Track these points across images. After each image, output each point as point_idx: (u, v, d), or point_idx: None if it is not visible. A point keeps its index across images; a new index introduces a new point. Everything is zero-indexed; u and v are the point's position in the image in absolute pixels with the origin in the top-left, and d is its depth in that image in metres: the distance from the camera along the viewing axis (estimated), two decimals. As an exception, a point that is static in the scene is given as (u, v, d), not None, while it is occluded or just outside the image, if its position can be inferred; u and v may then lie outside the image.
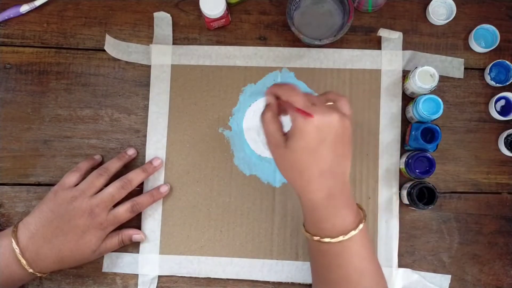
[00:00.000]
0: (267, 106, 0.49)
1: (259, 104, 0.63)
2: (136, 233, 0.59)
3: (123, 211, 0.57)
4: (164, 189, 0.60)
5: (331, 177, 0.46)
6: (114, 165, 0.59)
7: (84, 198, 0.55)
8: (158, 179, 0.61)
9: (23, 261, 0.53)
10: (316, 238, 0.48)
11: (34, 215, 0.55)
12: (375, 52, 0.63)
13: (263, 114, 0.49)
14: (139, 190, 0.61)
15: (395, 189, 0.60)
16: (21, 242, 0.53)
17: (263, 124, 0.48)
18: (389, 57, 0.62)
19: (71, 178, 0.57)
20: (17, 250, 0.53)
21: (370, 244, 0.49)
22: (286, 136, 0.47)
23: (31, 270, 0.53)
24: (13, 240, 0.53)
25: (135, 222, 0.60)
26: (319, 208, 0.47)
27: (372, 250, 0.50)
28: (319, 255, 0.49)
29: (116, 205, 0.57)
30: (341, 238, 0.47)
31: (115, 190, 0.56)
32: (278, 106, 0.49)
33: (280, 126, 0.48)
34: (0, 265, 0.53)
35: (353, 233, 0.47)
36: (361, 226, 0.47)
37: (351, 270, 0.48)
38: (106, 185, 0.57)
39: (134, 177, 0.58)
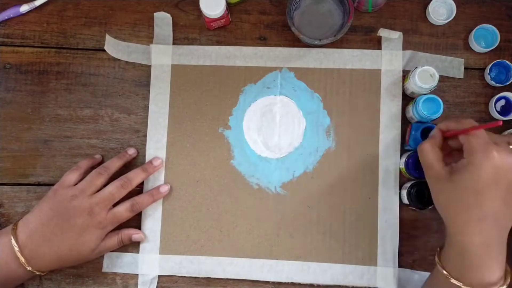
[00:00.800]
0: (430, 137, 0.47)
1: (259, 104, 0.63)
2: (136, 232, 0.59)
3: (123, 211, 0.57)
4: (164, 189, 0.60)
5: (493, 225, 0.43)
6: (114, 164, 0.59)
7: (84, 197, 0.55)
8: (158, 179, 0.61)
9: (22, 259, 0.53)
10: (456, 282, 0.44)
11: (34, 213, 0.55)
12: (375, 52, 0.63)
13: (421, 143, 0.46)
14: (139, 190, 0.61)
15: (395, 189, 0.60)
16: (20, 239, 0.53)
17: (420, 154, 0.45)
18: (389, 57, 0.62)
19: (71, 176, 0.57)
20: (16, 248, 0.53)
21: None
22: (449, 168, 0.44)
23: (29, 268, 0.53)
24: (12, 238, 0.53)
25: (135, 222, 0.60)
26: (470, 254, 0.44)
27: None
28: None
29: (116, 204, 0.57)
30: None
31: (115, 189, 0.56)
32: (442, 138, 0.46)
33: (441, 157, 0.45)
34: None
35: None
36: (508, 282, 0.44)
37: None
38: (106, 184, 0.57)
39: (134, 176, 0.58)
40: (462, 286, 0.44)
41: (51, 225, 0.54)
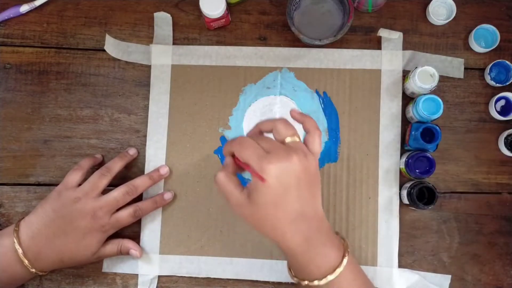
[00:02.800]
0: (223, 166, 0.48)
1: (259, 104, 0.63)
2: (134, 248, 0.59)
3: (126, 216, 0.57)
4: (168, 196, 0.60)
5: (303, 221, 0.45)
6: (116, 165, 0.59)
7: (88, 199, 0.55)
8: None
9: (26, 261, 0.53)
10: (304, 283, 0.46)
11: (36, 214, 0.55)
12: (375, 52, 0.63)
13: (216, 176, 0.46)
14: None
15: (395, 189, 0.60)
16: (23, 241, 0.53)
17: (218, 186, 0.46)
18: (389, 57, 0.62)
19: (74, 177, 0.57)
20: (20, 250, 0.53)
21: (360, 274, 0.48)
22: (246, 191, 0.45)
23: (33, 270, 0.53)
24: (15, 240, 0.53)
25: (136, 222, 0.60)
26: (299, 253, 0.46)
27: (364, 280, 0.48)
28: None
29: (119, 208, 0.57)
30: (329, 277, 0.45)
31: (120, 195, 0.56)
32: (235, 163, 0.47)
33: (237, 183, 0.46)
34: (2, 265, 0.53)
35: (339, 270, 0.45)
36: (345, 261, 0.46)
37: None
38: (109, 185, 0.57)
39: (140, 184, 0.58)
40: (310, 283, 0.46)
41: (53, 227, 0.54)
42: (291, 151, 0.44)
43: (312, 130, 0.48)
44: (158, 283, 0.60)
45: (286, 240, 0.45)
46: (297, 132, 0.47)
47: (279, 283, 0.60)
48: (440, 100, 0.58)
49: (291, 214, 0.44)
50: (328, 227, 0.47)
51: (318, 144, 0.47)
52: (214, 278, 0.60)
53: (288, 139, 0.46)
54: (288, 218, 0.44)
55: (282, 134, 0.46)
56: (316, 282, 0.46)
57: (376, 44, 0.63)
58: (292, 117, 0.50)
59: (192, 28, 0.64)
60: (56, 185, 0.58)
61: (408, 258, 0.60)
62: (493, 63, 0.61)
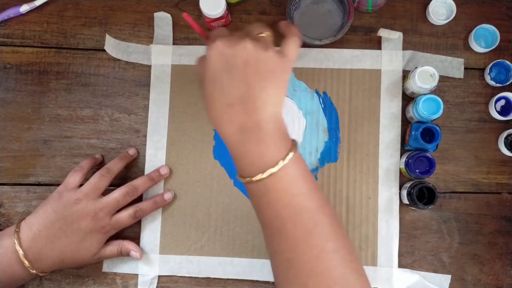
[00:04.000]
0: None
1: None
2: (135, 250, 0.59)
3: (126, 217, 0.57)
4: (168, 196, 0.60)
5: (243, 111, 0.43)
6: (116, 165, 0.59)
7: (88, 201, 0.55)
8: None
9: (26, 263, 0.53)
10: (246, 179, 0.44)
11: (37, 215, 0.55)
12: (375, 52, 0.63)
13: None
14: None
15: (395, 189, 0.60)
16: (23, 242, 0.53)
17: (196, 70, 0.47)
18: (389, 57, 0.62)
19: (74, 178, 0.57)
20: (20, 251, 0.53)
21: (304, 180, 0.44)
22: None
23: (33, 271, 0.53)
24: (15, 241, 0.53)
25: (136, 222, 0.60)
26: (233, 144, 0.44)
27: (308, 187, 0.44)
28: (251, 197, 0.46)
29: (119, 209, 0.57)
30: (259, 176, 0.42)
31: (120, 196, 0.56)
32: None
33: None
34: (3, 266, 0.53)
35: (271, 170, 0.42)
36: (281, 163, 0.42)
37: (281, 208, 0.43)
38: (110, 186, 0.57)
39: (141, 184, 0.58)
40: (245, 179, 0.44)
41: (54, 228, 0.54)
42: (248, 38, 0.43)
43: (290, 35, 0.46)
44: (158, 283, 0.60)
45: (220, 123, 0.44)
46: (271, 34, 0.47)
47: (279, 283, 0.60)
48: (440, 100, 0.58)
49: (229, 97, 0.43)
50: (275, 129, 0.44)
51: (292, 48, 0.46)
52: (214, 278, 0.60)
53: (257, 35, 0.46)
54: (226, 100, 0.43)
55: (254, 31, 0.46)
56: (247, 179, 0.43)
57: (376, 44, 0.63)
58: (279, 27, 0.49)
59: (192, 28, 0.64)
60: (56, 185, 0.58)
61: (408, 258, 0.60)
62: (493, 63, 0.62)
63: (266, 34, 0.46)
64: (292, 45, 0.46)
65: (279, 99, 0.44)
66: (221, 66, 0.43)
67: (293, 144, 0.45)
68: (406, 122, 0.62)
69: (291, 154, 0.43)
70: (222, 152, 0.62)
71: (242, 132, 0.43)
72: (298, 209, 0.43)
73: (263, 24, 0.47)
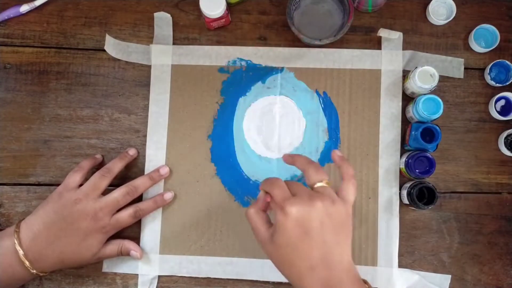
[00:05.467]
0: (254, 202, 0.48)
1: (259, 104, 0.63)
2: (135, 249, 0.59)
3: (126, 216, 0.57)
4: (168, 196, 0.60)
5: (325, 269, 0.43)
6: (116, 165, 0.59)
7: (88, 201, 0.55)
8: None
9: (27, 263, 0.53)
10: None
11: (37, 215, 0.55)
12: (375, 52, 0.63)
13: (247, 210, 0.47)
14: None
15: (395, 189, 0.60)
16: (24, 243, 0.53)
17: (248, 220, 0.47)
18: (389, 57, 0.62)
19: (74, 178, 0.57)
20: (20, 252, 0.53)
21: None
22: (272, 229, 0.45)
23: (34, 271, 0.53)
24: (15, 241, 0.53)
25: (136, 222, 0.60)
26: None
27: None
28: None
29: (119, 209, 0.57)
30: None
31: (120, 196, 0.56)
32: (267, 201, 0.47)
33: (266, 220, 0.47)
34: (3, 266, 0.53)
35: None
36: None
37: None
38: (110, 185, 0.57)
39: (141, 184, 0.58)
40: None
41: (54, 228, 0.54)
42: (316, 196, 0.44)
43: (347, 178, 0.48)
44: (158, 283, 0.60)
45: (306, 285, 0.44)
46: (327, 178, 0.47)
47: (279, 283, 0.60)
48: (440, 100, 0.58)
49: (311, 260, 0.43)
50: (354, 277, 0.45)
51: (352, 192, 0.47)
52: (214, 278, 0.60)
53: (317, 185, 0.46)
54: (307, 264, 0.43)
55: (312, 179, 0.47)
56: None
57: (376, 44, 0.63)
58: (332, 158, 0.50)
59: (192, 28, 0.64)
60: (56, 185, 0.58)
61: (408, 258, 0.60)
62: (493, 63, 0.62)
63: (325, 181, 0.47)
64: (352, 190, 0.47)
65: (349, 247, 0.46)
66: (299, 232, 0.43)
67: (367, 283, 0.47)
68: (406, 122, 0.62)
69: None
70: (219, 153, 0.62)
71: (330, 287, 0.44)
72: None
73: (317, 166, 0.48)
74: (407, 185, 0.59)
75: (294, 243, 0.43)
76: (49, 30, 0.65)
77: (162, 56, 0.63)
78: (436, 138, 0.57)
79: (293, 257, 0.44)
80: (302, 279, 0.44)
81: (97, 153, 0.63)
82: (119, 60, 0.64)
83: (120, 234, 0.59)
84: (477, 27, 0.62)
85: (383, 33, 0.62)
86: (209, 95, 0.63)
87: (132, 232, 0.61)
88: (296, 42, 0.63)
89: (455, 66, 0.63)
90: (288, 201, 0.44)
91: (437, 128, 0.57)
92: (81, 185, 0.57)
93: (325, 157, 0.61)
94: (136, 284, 0.60)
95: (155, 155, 0.62)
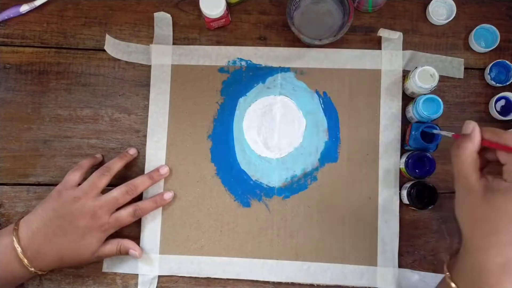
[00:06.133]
0: (466, 136, 0.41)
1: (259, 104, 0.63)
2: (134, 248, 0.59)
3: (125, 215, 0.57)
4: (168, 195, 0.60)
5: None
6: (116, 164, 0.59)
7: (88, 199, 0.55)
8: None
9: (25, 260, 0.53)
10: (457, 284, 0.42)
11: (36, 214, 0.55)
12: (375, 52, 0.63)
13: (456, 144, 0.41)
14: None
15: (395, 189, 0.60)
16: (22, 240, 0.53)
17: (456, 159, 0.41)
18: (389, 57, 0.62)
19: (73, 176, 0.57)
20: (19, 249, 0.53)
21: None
22: (484, 181, 0.40)
23: (32, 269, 0.53)
24: (14, 239, 0.53)
25: (136, 221, 0.60)
26: (487, 273, 0.41)
27: None
28: None
29: (118, 208, 0.57)
30: None
31: (120, 194, 0.56)
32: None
33: (478, 167, 0.41)
34: (2, 264, 0.53)
35: None
36: None
37: None
38: (109, 185, 0.57)
39: (140, 183, 0.58)
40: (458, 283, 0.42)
41: (53, 226, 0.54)
42: None
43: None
44: (158, 283, 0.60)
45: (489, 254, 0.40)
46: None
47: (279, 283, 0.60)
48: (440, 100, 0.58)
49: None
50: None
51: None
52: (214, 278, 0.60)
53: None
54: (510, 239, 0.39)
55: None
56: None
57: (376, 44, 0.63)
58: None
59: (192, 28, 0.64)
60: (56, 185, 0.58)
61: (408, 258, 0.60)
62: (493, 63, 0.61)
63: None
64: None
65: None
66: None
67: None
68: (406, 122, 0.62)
69: None
70: (219, 153, 0.62)
71: (507, 268, 0.40)
72: None
73: None
74: (407, 185, 0.59)
75: None
76: (49, 30, 0.65)
77: (162, 56, 0.63)
78: (436, 138, 0.57)
79: (503, 227, 0.39)
80: (491, 247, 0.40)
81: (97, 153, 0.63)
82: (119, 60, 0.64)
83: (120, 233, 0.59)
84: (477, 27, 0.62)
85: (383, 33, 0.62)
86: (209, 95, 0.63)
87: (132, 232, 0.61)
88: (296, 42, 0.63)
89: (455, 66, 0.63)
90: None
91: (437, 128, 0.57)
92: (80, 184, 0.57)
93: (325, 157, 0.61)
94: (136, 284, 0.60)
95: (155, 155, 0.62)
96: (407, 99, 0.62)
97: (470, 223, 0.42)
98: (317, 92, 0.63)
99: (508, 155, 0.40)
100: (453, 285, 0.43)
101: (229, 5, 0.63)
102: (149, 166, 0.62)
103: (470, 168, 0.41)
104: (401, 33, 0.63)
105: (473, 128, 0.41)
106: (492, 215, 0.40)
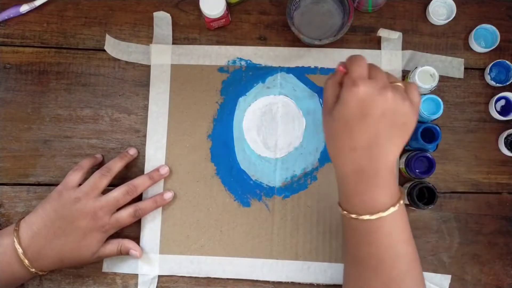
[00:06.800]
0: (333, 73, 0.48)
1: (259, 104, 0.63)
2: (134, 249, 0.59)
3: (126, 216, 0.57)
4: (168, 195, 0.60)
5: (365, 157, 0.44)
6: (116, 165, 0.59)
7: (88, 200, 0.55)
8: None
9: (26, 261, 0.53)
10: (352, 215, 0.46)
11: (37, 214, 0.55)
12: (375, 52, 0.63)
13: (326, 79, 0.48)
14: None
15: (395, 189, 0.60)
16: (23, 241, 0.53)
17: (324, 90, 0.47)
18: (389, 57, 0.62)
19: (74, 177, 0.57)
20: (20, 250, 0.53)
21: (406, 227, 0.47)
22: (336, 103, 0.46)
23: (33, 270, 0.53)
24: (15, 240, 0.53)
25: (136, 222, 0.60)
26: (346, 181, 0.46)
27: (408, 235, 0.47)
28: (349, 231, 0.48)
29: (119, 208, 0.57)
30: (367, 217, 0.45)
31: (120, 195, 0.56)
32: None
33: (337, 93, 0.46)
34: (2, 264, 0.53)
35: (381, 214, 0.44)
36: (392, 209, 0.45)
37: (382, 249, 0.46)
38: (109, 185, 0.57)
39: (140, 184, 0.58)
40: (348, 215, 0.46)
41: (54, 227, 0.54)
42: (390, 87, 0.44)
43: (408, 84, 0.47)
44: (158, 283, 0.60)
45: (340, 163, 0.46)
46: (402, 85, 0.46)
47: (279, 283, 0.60)
48: (440, 100, 0.58)
49: (356, 142, 0.44)
50: (390, 177, 0.46)
51: (417, 95, 0.46)
52: (214, 278, 0.60)
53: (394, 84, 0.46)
54: (351, 143, 0.44)
55: (388, 78, 0.46)
56: (366, 216, 0.45)
57: (376, 44, 0.63)
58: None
59: (192, 28, 0.64)
60: (56, 185, 0.58)
61: (408, 258, 0.60)
62: (493, 63, 0.61)
63: (399, 84, 0.46)
64: (416, 92, 0.46)
65: (400, 149, 0.46)
66: (357, 112, 0.43)
67: (402, 192, 0.47)
68: (406, 122, 0.62)
69: (401, 202, 0.46)
70: (219, 153, 0.62)
71: (358, 174, 0.45)
72: (398, 253, 0.46)
73: (393, 75, 0.48)
74: (407, 185, 0.59)
75: (349, 120, 0.44)
76: (49, 30, 0.65)
77: (161, 56, 0.63)
78: (436, 138, 0.57)
79: (342, 133, 0.45)
80: (340, 156, 0.46)
81: (97, 153, 0.63)
82: (119, 60, 0.64)
83: (120, 233, 0.59)
84: (477, 27, 0.62)
85: (383, 33, 0.62)
86: (209, 95, 0.63)
87: (132, 232, 0.61)
88: (296, 42, 0.63)
89: (455, 66, 0.63)
90: (362, 80, 0.43)
91: (437, 128, 0.57)
92: (80, 184, 0.57)
93: (325, 157, 0.61)
94: (136, 284, 0.60)
95: (155, 155, 0.62)
96: (407, 99, 0.62)
97: (326, 140, 0.48)
98: (317, 92, 0.63)
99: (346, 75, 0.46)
100: (340, 210, 0.48)
101: (229, 5, 0.63)
102: (149, 166, 0.62)
103: (330, 95, 0.47)
104: (401, 33, 0.63)
105: (338, 68, 0.47)
106: (334, 125, 0.45)
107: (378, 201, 0.45)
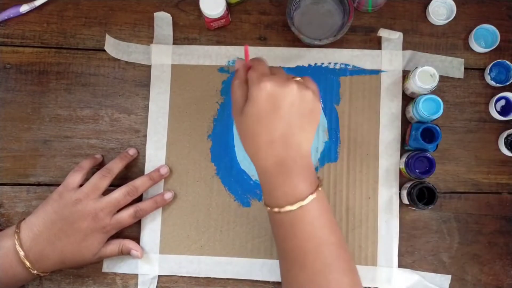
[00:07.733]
0: (236, 72, 0.49)
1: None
2: (135, 249, 0.59)
3: (126, 217, 0.57)
4: (168, 196, 0.60)
5: (282, 147, 0.46)
6: (116, 165, 0.59)
7: (89, 201, 0.55)
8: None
9: (27, 263, 0.53)
10: (274, 209, 0.47)
11: (37, 216, 0.55)
12: (375, 52, 0.63)
13: (232, 80, 0.49)
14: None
15: (395, 189, 0.60)
16: (24, 243, 0.53)
17: (231, 91, 0.49)
18: (389, 57, 0.62)
19: (74, 178, 0.57)
20: (21, 252, 0.53)
21: (328, 215, 0.47)
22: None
23: (35, 272, 0.53)
24: (16, 242, 0.53)
25: (136, 222, 0.60)
26: (268, 175, 0.47)
27: (330, 222, 0.47)
28: (275, 226, 0.48)
29: (119, 209, 0.57)
30: (288, 207, 0.45)
31: (121, 196, 0.56)
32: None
33: (246, 93, 0.47)
34: (4, 267, 0.53)
35: (301, 203, 0.45)
36: (311, 197, 0.45)
37: (305, 240, 0.46)
38: (110, 186, 0.57)
39: (141, 184, 0.58)
40: (272, 210, 0.47)
41: (55, 229, 0.54)
42: (292, 80, 0.46)
43: (303, 77, 0.49)
44: (158, 283, 0.60)
45: (259, 158, 0.47)
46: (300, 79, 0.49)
47: (279, 283, 0.60)
48: (440, 100, 0.58)
49: (272, 135, 0.46)
50: (307, 164, 0.47)
51: (314, 84, 0.49)
52: (214, 278, 0.60)
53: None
54: (268, 138, 0.46)
55: (287, 74, 0.49)
56: (276, 209, 0.46)
57: (376, 44, 0.63)
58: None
59: (192, 28, 0.64)
60: (56, 185, 0.58)
61: (408, 258, 0.60)
62: (493, 63, 0.61)
63: (297, 78, 0.48)
64: (313, 83, 0.49)
65: (311, 136, 0.48)
66: (269, 106, 0.45)
67: (320, 180, 0.48)
68: (406, 122, 0.62)
69: (320, 189, 0.47)
70: (219, 153, 0.62)
71: (279, 166, 0.46)
72: (321, 242, 0.46)
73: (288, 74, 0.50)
74: (407, 185, 0.59)
75: (262, 115, 0.45)
76: (49, 30, 0.65)
77: (162, 56, 0.63)
78: (436, 138, 0.57)
79: (257, 128, 0.46)
80: (259, 151, 0.46)
81: (97, 153, 0.63)
82: (119, 60, 0.64)
83: (120, 234, 0.59)
84: (477, 27, 0.62)
85: (383, 33, 0.62)
86: (209, 95, 0.63)
87: (132, 232, 0.61)
88: (296, 42, 0.63)
89: (455, 66, 0.63)
90: (266, 77, 0.46)
91: (437, 128, 0.57)
92: (81, 185, 0.57)
93: (325, 157, 0.61)
94: (136, 284, 0.60)
95: (155, 155, 0.62)
96: (407, 99, 0.62)
97: (242, 139, 0.48)
98: (317, 92, 0.63)
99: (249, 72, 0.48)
100: (264, 206, 0.48)
101: (229, 5, 0.63)
102: (149, 166, 0.62)
103: (238, 95, 0.48)
104: (401, 33, 0.63)
105: (239, 66, 0.50)
106: (248, 124, 0.46)
107: (297, 190, 0.46)
